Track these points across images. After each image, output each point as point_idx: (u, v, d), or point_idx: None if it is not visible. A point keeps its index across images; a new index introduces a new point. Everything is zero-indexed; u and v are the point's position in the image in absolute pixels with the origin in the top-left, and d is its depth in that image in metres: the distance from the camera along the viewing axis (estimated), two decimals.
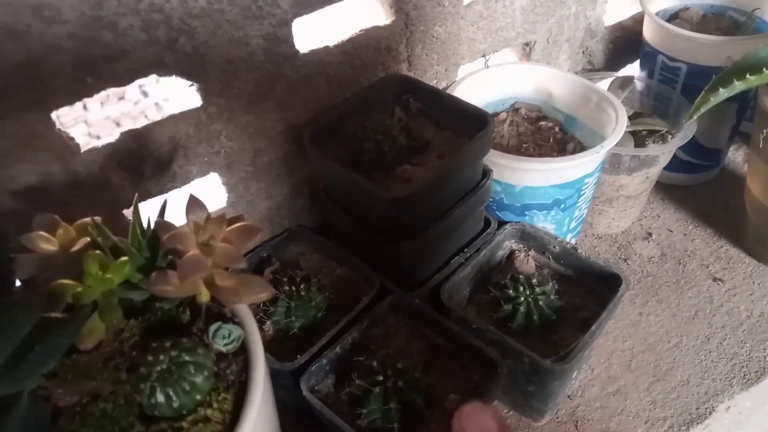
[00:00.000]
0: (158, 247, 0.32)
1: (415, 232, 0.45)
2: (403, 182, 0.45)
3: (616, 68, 0.68)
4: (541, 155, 0.55)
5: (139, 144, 0.42)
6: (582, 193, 0.53)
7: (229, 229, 0.31)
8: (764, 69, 0.50)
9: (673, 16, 0.67)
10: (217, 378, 0.31)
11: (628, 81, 0.63)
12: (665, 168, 0.67)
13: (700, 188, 0.69)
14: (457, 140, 0.48)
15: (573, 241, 0.59)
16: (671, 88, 0.63)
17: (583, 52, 0.64)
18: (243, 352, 0.32)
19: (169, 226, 0.30)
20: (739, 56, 0.53)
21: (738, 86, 0.50)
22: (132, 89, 1.90)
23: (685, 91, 0.62)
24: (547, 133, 0.57)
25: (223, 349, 0.31)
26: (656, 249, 0.64)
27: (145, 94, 2.02)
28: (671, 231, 0.65)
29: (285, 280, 0.47)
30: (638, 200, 0.63)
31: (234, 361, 0.31)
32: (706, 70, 0.59)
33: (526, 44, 0.60)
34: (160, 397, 0.28)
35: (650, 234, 0.65)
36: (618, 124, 0.51)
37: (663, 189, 0.69)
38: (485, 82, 0.58)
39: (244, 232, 0.31)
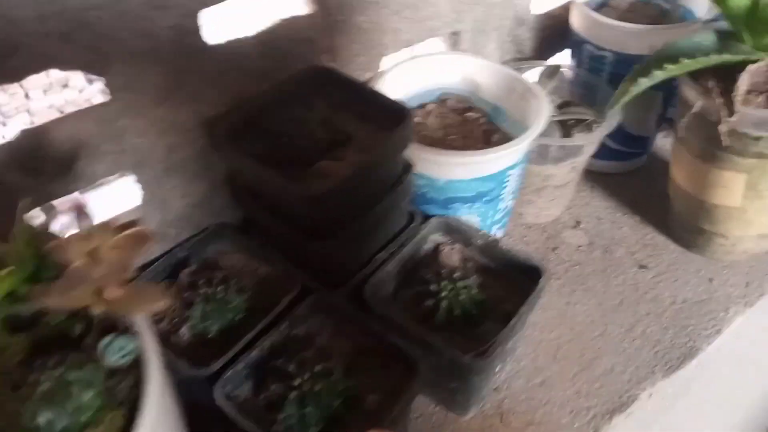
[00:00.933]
0: (46, 256, 0.30)
1: (335, 229, 0.44)
2: (321, 178, 0.44)
3: (546, 57, 0.68)
4: (466, 147, 0.54)
5: (37, 143, 0.40)
6: (505, 185, 0.52)
7: (119, 236, 0.29)
8: (682, 59, 0.50)
9: (603, 4, 0.68)
10: (108, 395, 0.29)
11: (556, 70, 0.63)
12: (595, 156, 0.67)
13: (629, 175, 0.70)
14: (379, 134, 0.47)
15: (500, 233, 0.59)
16: (599, 77, 0.63)
17: (512, 41, 0.64)
18: (139, 365, 0.30)
19: (51, 236, 0.28)
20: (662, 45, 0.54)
21: (658, 76, 0.51)
22: (77, 76, 1.83)
23: (612, 79, 0.62)
24: (473, 124, 0.57)
25: (115, 364, 0.30)
26: (585, 237, 0.64)
27: (90, 81, 1.94)
28: (600, 219, 0.66)
29: (202, 282, 0.45)
30: (566, 189, 0.63)
31: (127, 376, 0.30)
32: (631, 58, 0.59)
33: (454, 33, 0.59)
34: (43, 419, 0.27)
35: (579, 222, 0.66)
36: (540, 116, 0.51)
37: (593, 177, 0.69)
38: (412, 73, 0.57)
39: (135, 240, 0.29)
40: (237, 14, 0.45)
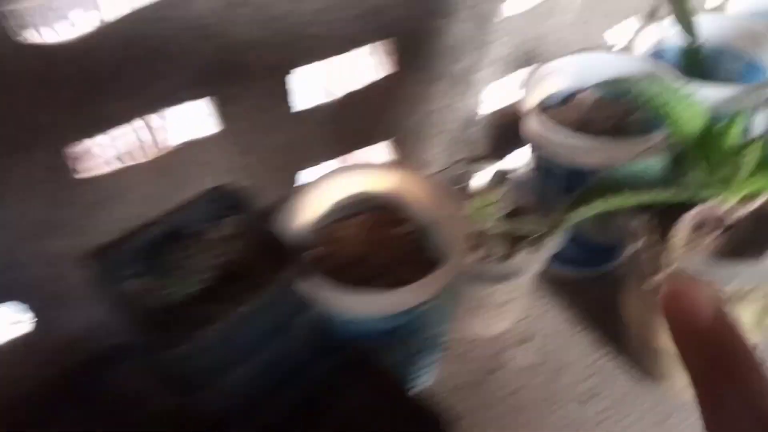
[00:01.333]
0: None
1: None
2: (200, 326, 0.41)
3: (503, 155, 0.63)
4: (387, 269, 0.50)
5: None
6: (423, 320, 0.48)
7: None
8: (626, 189, 0.45)
9: (567, 99, 0.62)
10: None
11: (507, 174, 0.58)
12: (556, 259, 0.62)
13: (595, 283, 0.64)
14: (278, 269, 0.43)
15: (434, 359, 0.54)
16: (553, 185, 0.58)
17: (462, 142, 0.59)
18: None
19: None
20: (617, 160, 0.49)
21: (598, 206, 0.45)
22: None
23: (568, 189, 0.57)
24: (402, 241, 0.53)
25: None
26: (533, 356, 0.59)
27: None
28: (554, 334, 0.61)
29: None
30: (513, 304, 0.59)
31: None
32: (584, 173, 0.54)
33: (391, 141, 0.55)
34: None
35: (530, 338, 0.60)
36: (457, 246, 0.46)
37: (556, 281, 0.64)
38: (343, 182, 0.53)
39: None
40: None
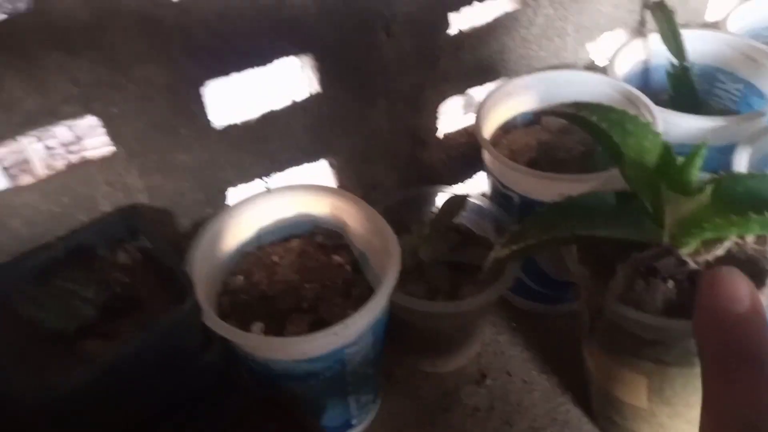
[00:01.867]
0: None
1: None
2: (80, 365, 0.37)
3: (463, 178, 0.58)
4: (320, 300, 0.46)
5: None
6: (346, 363, 0.44)
7: None
8: (576, 225, 0.40)
9: (534, 121, 0.57)
10: None
11: (460, 201, 0.53)
12: (519, 292, 0.58)
13: (559, 320, 0.59)
14: (176, 302, 0.40)
15: (368, 399, 0.50)
16: (508, 215, 0.53)
17: (413, 165, 0.55)
18: None
19: None
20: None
21: (544, 243, 0.40)
22: None
23: (521, 221, 0.52)
24: (337, 270, 0.49)
25: None
26: (486, 398, 0.54)
27: None
28: (510, 375, 0.56)
29: None
30: (465, 342, 0.54)
31: None
32: (539, 204, 0.49)
33: (330, 161, 0.51)
34: None
35: (485, 377, 0.55)
36: (385, 284, 0.42)
37: (518, 315, 0.59)
38: (277, 201, 0.49)
39: None
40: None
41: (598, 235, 0.39)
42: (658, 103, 0.54)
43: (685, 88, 0.59)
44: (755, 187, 0.37)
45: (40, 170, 0.39)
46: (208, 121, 0.42)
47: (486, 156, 0.52)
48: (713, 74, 0.61)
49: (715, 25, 0.64)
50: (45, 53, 0.35)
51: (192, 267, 0.43)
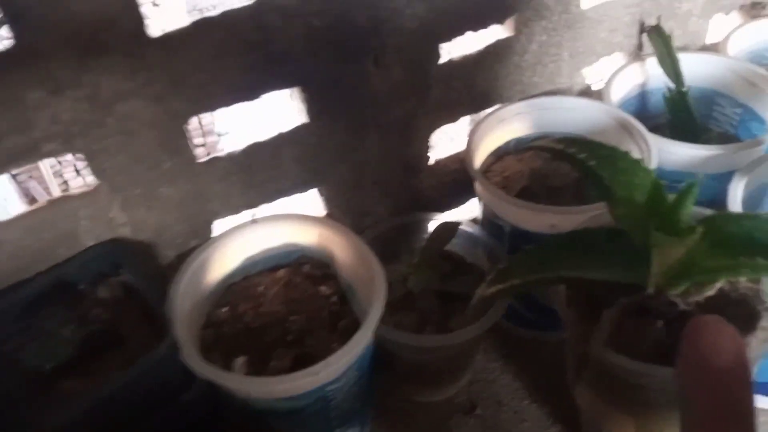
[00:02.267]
0: None
1: None
2: (58, 405, 0.37)
3: (455, 205, 0.58)
4: (305, 332, 0.46)
5: None
6: (330, 400, 0.43)
7: None
8: (562, 271, 0.39)
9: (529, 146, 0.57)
10: None
11: (451, 229, 0.53)
12: (511, 318, 0.57)
13: (550, 346, 0.58)
14: (158, 340, 0.39)
15: None
16: (499, 243, 0.52)
17: (406, 191, 0.54)
18: None
19: None
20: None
21: (531, 284, 0.40)
22: None
23: (511, 249, 0.51)
24: (323, 302, 0.48)
25: None
26: (477, 428, 0.53)
27: None
28: (501, 405, 0.55)
29: None
30: (456, 372, 0.53)
31: None
32: (529, 235, 0.49)
33: (321, 190, 0.50)
34: None
35: (475, 407, 0.55)
36: (369, 319, 0.41)
37: (509, 341, 0.58)
38: (264, 231, 0.48)
39: None
40: None
41: (585, 276, 0.38)
42: (655, 127, 0.53)
43: (682, 112, 0.58)
44: (747, 229, 0.36)
45: (22, 205, 0.39)
46: (193, 153, 0.42)
47: (477, 185, 0.51)
48: (712, 98, 0.60)
49: (715, 48, 0.63)
50: (27, 90, 0.34)
51: (175, 300, 0.42)
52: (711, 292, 0.38)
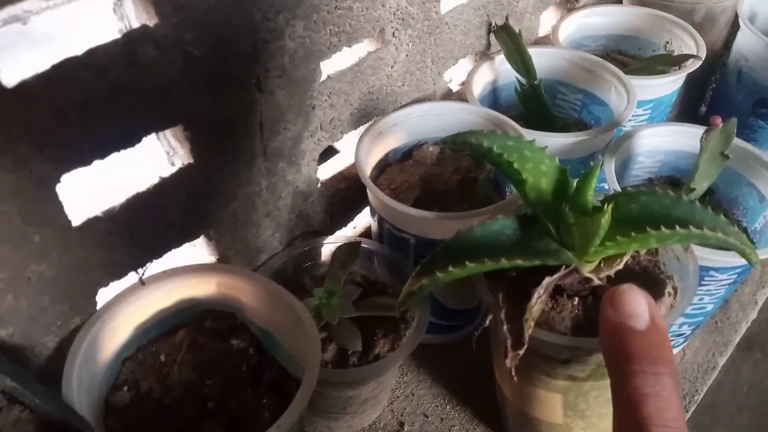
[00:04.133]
0: None
1: None
2: None
3: (345, 223, 0.56)
4: (222, 402, 0.41)
5: None
6: None
7: None
8: (485, 259, 0.38)
9: (412, 152, 0.56)
10: None
11: (354, 249, 0.50)
12: None
13: (456, 347, 0.59)
14: None
15: None
16: (404, 256, 0.51)
17: (299, 218, 0.51)
18: None
19: None
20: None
21: (455, 273, 0.39)
22: None
23: (417, 261, 0.50)
24: (238, 358, 0.43)
25: None
26: None
27: None
28: (426, 417, 0.54)
29: None
30: (380, 396, 0.51)
31: None
32: (436, 243, 0.48)
33: (209, 235, 0.45)
34: None
35: (402, 425, 0.54)
36: (312, 366, 0.38)
37: (418, 351, 0.57)
38: (154, 292, 0.42)
39: None
40: None
41: (508, 264, 0.38)
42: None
43: (534, 104, 0.61)
44: (647, 204, 0.38)
45: None
46: (67, 220, 0.35)
47: (374, 200, 0.50)
48: (555, 87, 0.65)
49: (546, 41, 0.68)
50: None
51: (71, 395, 0.35)
52: (620, 266, 0.40)
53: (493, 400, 0.53)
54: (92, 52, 0.32)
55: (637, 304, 0.31)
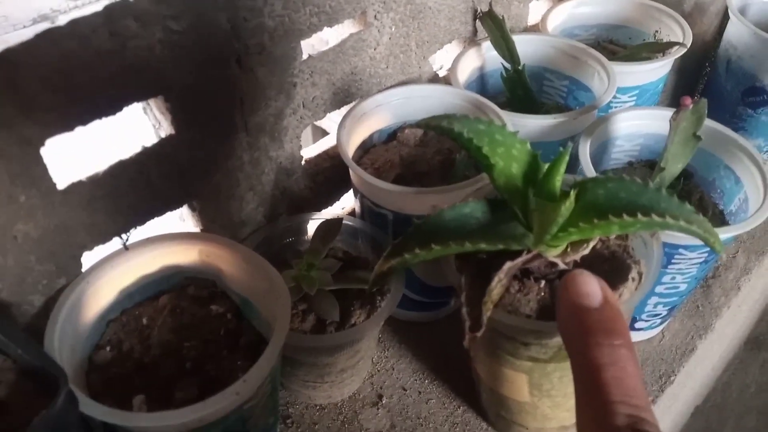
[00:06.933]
0: None
1: None
2: None
3: (331, 202, 0.58)
4: (200, 362, 0.43)
5: None
6: (247, 419, 0.41)
7: None
8: (450, 242, 0.40)
9: (395, 134, 0.58)
10: None
11: (334, 226, 0.52)
12: (398, 306, 0.57)
13: (439, 326, 0.61)
14: (39, 401, 0.34)
15: None
16: (384, 233, 0.53)
17: (282, 194, 0.53)
18: None
19: None
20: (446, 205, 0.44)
21: (421, 255, 0.40)
22: None
23: (396, 236, 0.52)
24: (217, 322, 0.45)
25: None
26: (386, 418, 0.54)
27: None
28: (405, 390, 0.56)
29: None
30: (358, 367, 0.53)
31: None
32: (413, 218, 0.50)
33: (192, 205, 0.47)
34: None
35: (381, 397, 0.55)
36: (279, 327, 0.40)
37: (400, 327, 0.60)
38: (138, 258, 0.44)
39: None
40: None
41: (472, 247, 0.39)
42: (497, 105, 0.57)
43: (519, 89, 0.63)
44: (613, 190, 0.38)
45: None
46: (52, 182, 0.37)
47: (355, 178, 0.51)
48: (541, 74, 0.66)
49: (536, 29, 0.69)
50: None
51: (52, 350, 0.38)
52: (586, 251, 0.41)
53: (470, 377, 0.54)
54: (74, 23, 0.34)
55: (589, 284, 0.33)
